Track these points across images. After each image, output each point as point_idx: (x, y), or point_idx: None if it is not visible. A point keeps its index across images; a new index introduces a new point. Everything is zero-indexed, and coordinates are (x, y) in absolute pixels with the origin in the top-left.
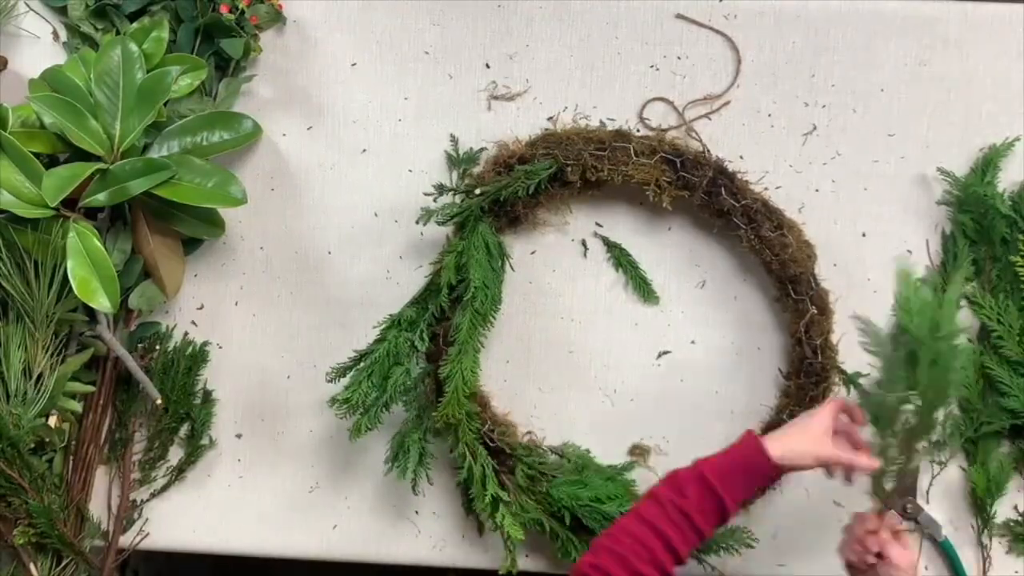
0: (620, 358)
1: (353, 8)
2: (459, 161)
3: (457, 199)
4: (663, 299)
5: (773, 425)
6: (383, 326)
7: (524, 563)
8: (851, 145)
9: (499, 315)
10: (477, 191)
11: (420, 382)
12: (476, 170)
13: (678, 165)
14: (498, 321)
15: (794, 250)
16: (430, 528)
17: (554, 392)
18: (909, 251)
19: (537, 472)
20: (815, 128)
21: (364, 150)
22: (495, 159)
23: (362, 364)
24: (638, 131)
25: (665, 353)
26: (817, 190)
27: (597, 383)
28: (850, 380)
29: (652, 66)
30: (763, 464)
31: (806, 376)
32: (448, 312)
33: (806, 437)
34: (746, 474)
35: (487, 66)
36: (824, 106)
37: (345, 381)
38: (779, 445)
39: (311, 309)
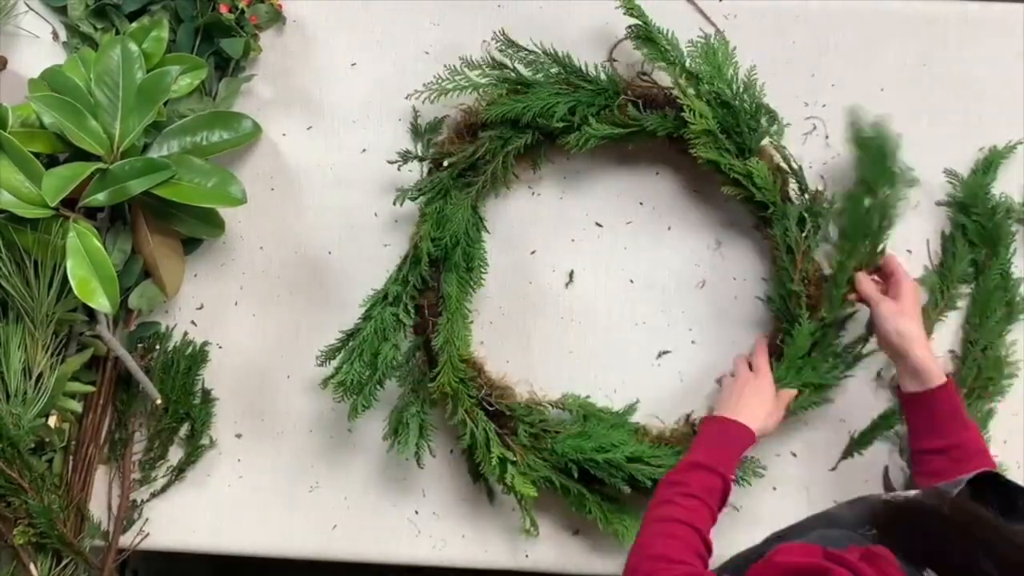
0: (620, 358)
1: (353, 8)
2: (422, 132)
3: (424, 167)
4: (663, 299)
5: None
6: (368, 303)
7: (527, 563)
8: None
9: (499, 316)
10: (445, 163)
11: (411, 356)
12: (440, 137)
13: (640, 106)
14: (498, 322)
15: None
16: (430, 528)
17: (554, 392)
18: (909, 251)
19: (539, 430)
20: (815, 128)
21: (364, 150)
22: (458, 124)
23: (351, 343)
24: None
25: (665, 353)
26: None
27: (597, 383)
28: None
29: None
30: (748, 440)
31: None
32: (430, 282)
33: (766, 404)
34: (731, 447)
35: None
36: (824, 106)
37: (335, 363)
38: (757, 423)
39: (311, 309)
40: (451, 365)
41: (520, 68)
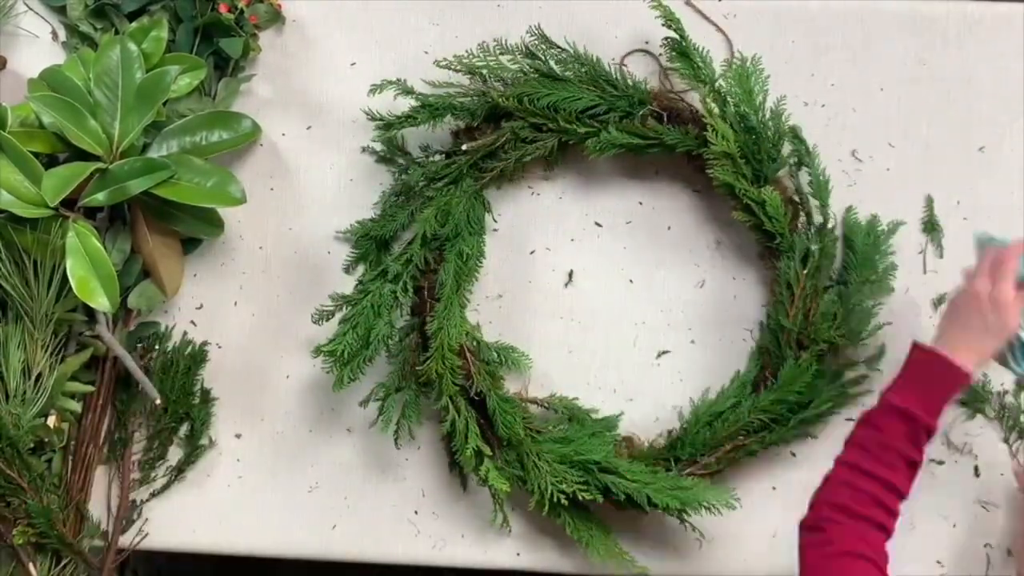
0: (620, 358)
1: (353, 8)
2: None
3: (437, 157)
4: (663, 299)
5: None
6: (368, 277)
7: (522, 562)
8: (850, 145)
9: (499, 315)
10: (465, 147)
11: (406, 336)
12: (460, 124)
13: (664, 119)
14: (498, 321)
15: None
16: (430, 528)
17: (554, 392)
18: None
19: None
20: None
21: (363, 149)
22: (480, 110)
23: (344, 311)
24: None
25: (665, 353)
26: None
27: (597, 383)
28: None
29: (651, 66)
30: (958, 377)
31: None
32: (433, 263)
33: (988, 334)
34: (940, 389)
35: None
36: (824, 106)
37: (330, 325)
38: (970, 354)
39: (311, 309)
40: (441, 352)
41: (551, 63)
